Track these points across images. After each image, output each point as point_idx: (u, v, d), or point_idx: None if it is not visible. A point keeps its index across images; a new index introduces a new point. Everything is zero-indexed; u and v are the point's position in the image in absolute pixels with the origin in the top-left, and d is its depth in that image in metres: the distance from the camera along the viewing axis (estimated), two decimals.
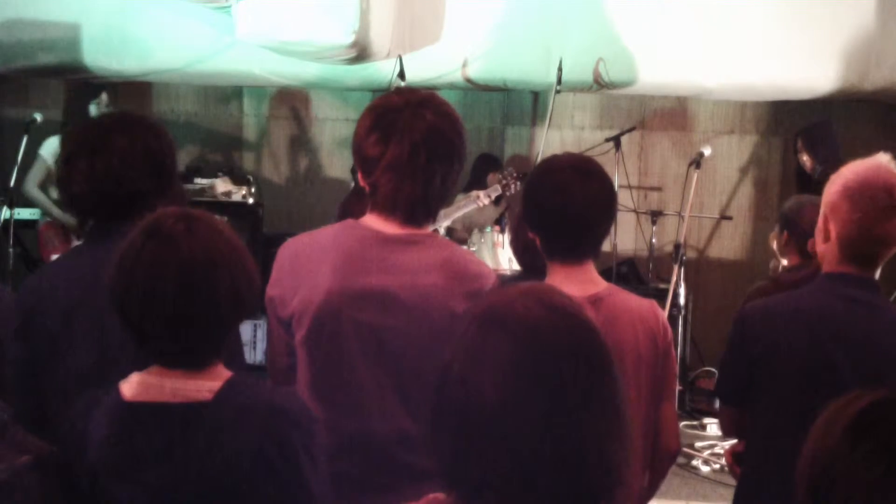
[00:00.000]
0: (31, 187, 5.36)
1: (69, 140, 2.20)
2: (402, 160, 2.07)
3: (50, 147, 5.52)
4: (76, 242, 5.49)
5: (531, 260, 2.98)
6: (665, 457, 2.37)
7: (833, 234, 2.21)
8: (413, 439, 2.07)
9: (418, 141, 2.07)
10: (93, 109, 5.57)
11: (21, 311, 2.10)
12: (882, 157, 2.25)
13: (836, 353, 2.16)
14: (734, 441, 2.65)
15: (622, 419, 1.17)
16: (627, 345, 2.20)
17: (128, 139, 2.13)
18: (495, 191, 5.33)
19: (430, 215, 2.18)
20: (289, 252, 2.16)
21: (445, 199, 2.22)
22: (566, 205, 2.22)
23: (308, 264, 2.11)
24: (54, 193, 5.58)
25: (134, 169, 2.11)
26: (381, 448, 2.09)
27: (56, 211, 5.50)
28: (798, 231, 3.35)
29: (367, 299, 2.07)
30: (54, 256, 5.47)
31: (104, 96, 5.61)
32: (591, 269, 2.30)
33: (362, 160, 2.13)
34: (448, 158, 2.13)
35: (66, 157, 2.16)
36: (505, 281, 4.07)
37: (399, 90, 2.24)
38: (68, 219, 5.51)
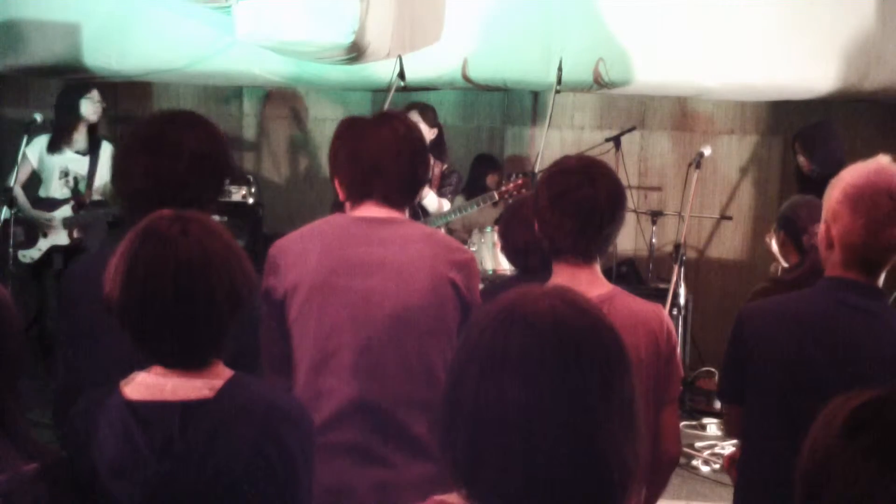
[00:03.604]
0: (15, 186, 5.36)
1: (132, 135, 2.20)
2: (372, 159, 2.28)
3: (36, 147, 5.51)
4: (42, 240, 5.51)
5: (524, 261, 3.00)
6: (664, 461, 2.36)
7: (836, 241, 2.17)
8: (412, 401, 2.17)
9: (382, 144, 2.29)
10: (84, 105, 5.53)
11: (66, 296, 2.15)
12: (882, 159, 2.19)
13: (826, 358, 2.13)
14: (733, 447, 2.64)
15: (636, 416, 1.17)
16: (628, 347, 2.20)
17: (193, 140, 2.14)
18: (489, 199, 5.29)
19: (408, 201, 2.35)
20: (278, 247, 2.31)
21: (423, 184, 2.43)
22: (575, 206, 2.23)
23: (296, 252, 2.24)
24: (41, 191, 5.59)
25: (196, 170, 2.12)
26: (381, 411, 2.17)
27: (33, 212, 5.49)
28: (795, 230, 3.36)
29: (356, 267, 2.20)
30: (21, 252, 5.48)
31: (95, 92, 5.59)
32: (596, 271, 2.31)
33: (338, 165, 2.35)
34: (412, 155, 2.32)
35: (126, 151, 2.16)
36: (505, 281, 4.08)
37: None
38: (39, 217, 5.51)
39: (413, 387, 2.18)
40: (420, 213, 5.43)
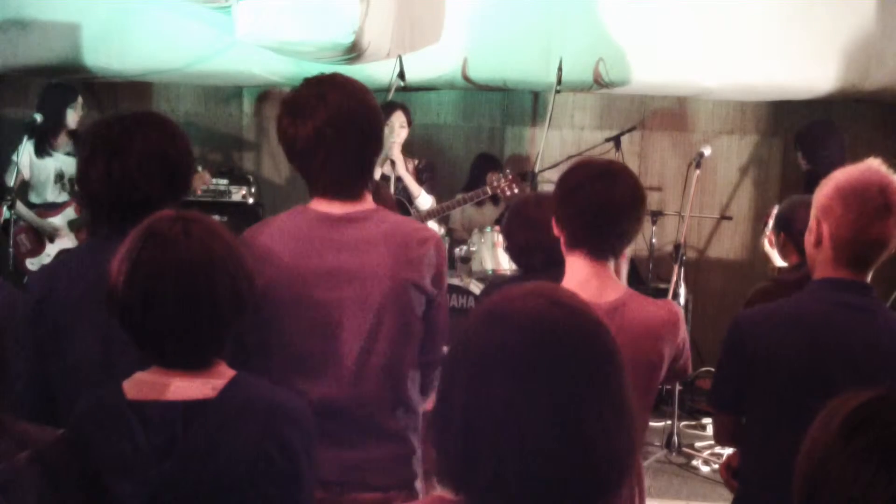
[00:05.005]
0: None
1: (90, 137, 2.20)
2: (311, 143, 2.21)
3: (24, 154, 5.47)
4: (49, 246, 5.50)
5: (527, 260, 3.01)
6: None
7: (826, 237, 2.18)
8: (382, 399, 2.25)
9: (320, 124, 2.19)
10: (69, 115, 5.53)
11: (31, 301, 2.10)
12: (873, 161, 2.22)
13: (831, 360, 2.14)
14: (730, 452, 2.63)
15: (628, 410, 1.17)
16: (639, 353, 2.20)
17: (148, 142, 2.12)
18: (483, 193, 5.38)
19: (362, 188, 2.30)
20: (247, 241, 2.30)
21: (372, 170, 2.34)
22: (589, 199, 2.25)
23: (265, 250, 2.25)
24: (33, 197, 5.58)
25: (151, 173, 2.11)
26: (351, 411, 2.23)
27: (35, 218, 5.48)
28: (794, 231, 3.35)
29: (320, 278, 2.22)
30: (29, 261, 5.46)
31: (80, 99, 5.58)
32: (610, 272, 2.31)
33: (283, 149, 2.29)
34: (358, 133, 2.24)
35: (86, 154, 2.15)
36: (506, 281, 4.08)
37: (308, 78, 2.32)
38: (45, 224, 5.51)
39: (381, 388, 2.24)
40: (412, 212, 5.45)
